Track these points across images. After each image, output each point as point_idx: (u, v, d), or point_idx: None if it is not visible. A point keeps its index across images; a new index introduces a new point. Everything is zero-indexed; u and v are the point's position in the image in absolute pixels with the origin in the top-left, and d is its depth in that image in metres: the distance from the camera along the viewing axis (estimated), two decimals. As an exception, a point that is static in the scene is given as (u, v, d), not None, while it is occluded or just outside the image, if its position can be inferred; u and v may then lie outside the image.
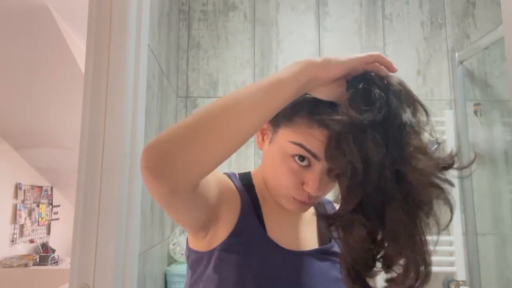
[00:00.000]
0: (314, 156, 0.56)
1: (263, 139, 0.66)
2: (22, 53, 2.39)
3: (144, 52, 1.15)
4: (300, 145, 0.56)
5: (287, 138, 0.58)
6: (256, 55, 1.92)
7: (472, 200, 1.80)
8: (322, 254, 0.65)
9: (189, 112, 1.85)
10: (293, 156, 0.58)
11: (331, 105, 0.53)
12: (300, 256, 0.63)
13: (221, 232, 0.61)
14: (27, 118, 3.04)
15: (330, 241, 0.68)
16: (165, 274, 1.65)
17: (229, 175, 0.69)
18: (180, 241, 1.71)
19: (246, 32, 1.94)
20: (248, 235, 0.61)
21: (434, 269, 1.90)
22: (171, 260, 1.75)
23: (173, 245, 1.72)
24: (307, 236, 0.68)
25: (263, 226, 0.63)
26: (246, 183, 0.68)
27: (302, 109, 0.57)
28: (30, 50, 2.37)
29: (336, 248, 0.66)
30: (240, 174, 0.71)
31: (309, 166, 0.58)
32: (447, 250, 1.75)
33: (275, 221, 0.65)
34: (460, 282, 1.70)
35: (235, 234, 0.60)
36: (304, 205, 0.62)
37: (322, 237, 0.69)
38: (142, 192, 1.15)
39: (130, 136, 1.08)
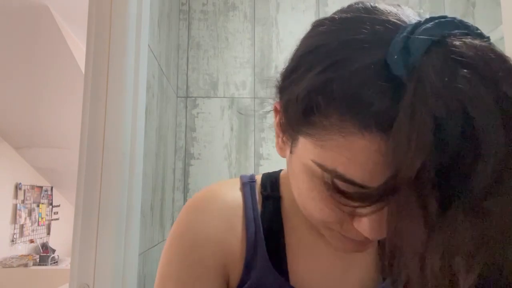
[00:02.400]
0: (363, 187, 0.31)
1: (283, 141, 0.41)
2: (22, 53, 2.40)
3: (144, 52, 1.15)
4: (334, 173, 0.32)
5: (310, 155, 0.34)
6: (256, 55, 1.92)
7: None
8: None
9: (189, 112, 1.85)
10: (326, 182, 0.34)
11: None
12: None
13: None
14: (27, 118, 3.04)
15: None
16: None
17: (243, 184, 0.49)
18: (180, 241, 1.71)
19: (246, 32, 1.94)
20: (258, 284, 0.44)
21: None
22: (171, 260, 1.75)
23: (173, 245, 1.71)
24: (363, 279, 0.46)
25: (283, 269, 0.44)
26: (269, 194, 0.48)
27: (324, 100, 0.32)
28: (30, 50, 2.37)
29: None
30: (265, 177, 0.50)
31: None
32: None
33: (307, 257, 0.45)
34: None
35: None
36: (362, 244, 0.38)
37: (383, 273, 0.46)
38: (142, 192, 1.15)
39: (130, 136, 1.08)
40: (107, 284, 0.98)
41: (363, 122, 0.29)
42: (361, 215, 0.33)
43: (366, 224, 0.33)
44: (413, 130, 0.25)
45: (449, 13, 1.98)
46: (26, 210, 3.48)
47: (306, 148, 0.35)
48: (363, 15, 0.32)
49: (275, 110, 0.42)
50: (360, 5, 0.34)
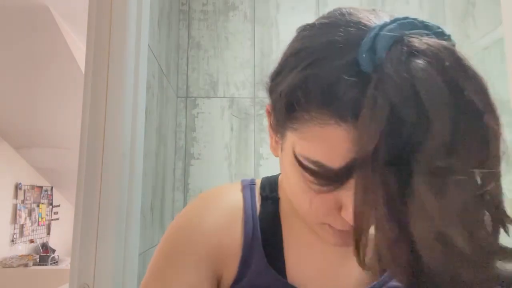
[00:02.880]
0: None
1: (275, 141, 0.44)
2: (22, 53, 2.40)
3: (144, 52, 1.15)
4: (317, 164, 0.35)
5: (296, 149, 0.37)
6: (256, 55, 1.92)
7: (472, 200, 1.79)
8: None
9: (189, 112, 1.85)
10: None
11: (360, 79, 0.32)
12: None
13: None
14: (27, 118, 3.04)
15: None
16: (165, 274, 1.65)
17: (243, 187, 0.52)
18: (180, 241, 1.71)
19: (246, 32, 1.94)
20: (254, 282, 0.45)
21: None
22: (171, 260, 1.75)
23: (173, 245, 1.72)
24: (359, 273, 0.47)
25: (280, 265, 0.45)
26: (268, 195, 0.50)
27: (303, 96, 0.35)
28: (30, 50, 2.37)
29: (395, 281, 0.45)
30: (266, 181, 0.53)
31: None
32: (447, 250, 1.75)
33: (304, 255, 0.47)
34: (460, 282, 1.70)
35: (239, 287, 0.45)
36: (347, 236, 0.40)
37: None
38: (142, 192, 1.15)
39: (130, 136, 1.08)
40: (107, 284, 0.98)
41: (338, 113, 0.32)
42: (347, 204, 0.36)
43: (351, 213, 0.34)
44: (372, 117, 0.28)
45: (449, 13, 1.98)
46: (26, 210, 3.48)
47: (292, 143, 0.38)
48: (339, 19, 0.36)
49: (267, 112, 0.45)
50: (338, 11, 0.38)
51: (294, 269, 0.46)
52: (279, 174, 0.53)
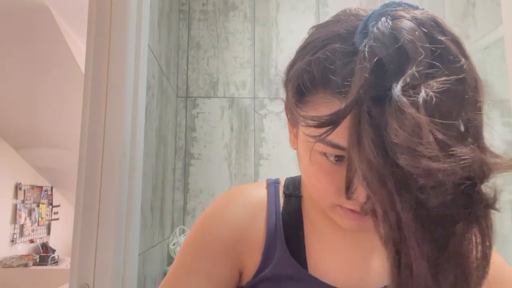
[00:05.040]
0: (344, 149, 0.38)
1: (293, 135, 0.48)
2: (22, 53, 2.40)
3: (144, 52, 1.15)
4: (319, 139, 0.38)
5: (306, 132, 0.41)
6: (256, 55, 1.92)
7: (472, 200, 1.79)
8: None
9: (189, 112, 1.85)
10: (323, 154, 0.40)
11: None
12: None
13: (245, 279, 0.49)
14: (27, 118, 3.04)
15: None
16: (165, 274, 1.65)
17: (268, 184, 0.55)
18: (180, 241, 1.71)
19: (246, 32, 1.94)
20: (276, 272, 0.46)
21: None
22: (171, 260, 1.75)
23: (173, 245, 1.72)
24: (379, 267, 0.49)
25: (302, 257, 0.48)
26: (291, 192, 0.53)
27: (308, 79, 0.39)
28: (30, 50, 2.37)
29: None
30: (288, 180, 0.56)
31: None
32: (447, 250, 1.75)
33: (325, 248, 0.49)
34: (460, 282, 1.70)
35: (260, 278, 0.47)
36: (360, 218, 0.42)
37: None
38: (142, 192, 1.15)
39: (130, 136, 1.08)
40: (107, 284, 0.98)
41: (339, 91, 0.36)
42: (356, 185, 0.38)
43: (361, 191, 0.37)
44: (358, 71, 0.32)
45: (449, 13, 1.98)
46: (26, 210, 3.48)
47: (303, 128, 0.42)
48: (343, 16, 0.41)
49: (286, 107, 0.48)
50: (343, 10, 0.42)
51: (315, 261, 0.48)
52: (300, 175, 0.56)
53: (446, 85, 0.30)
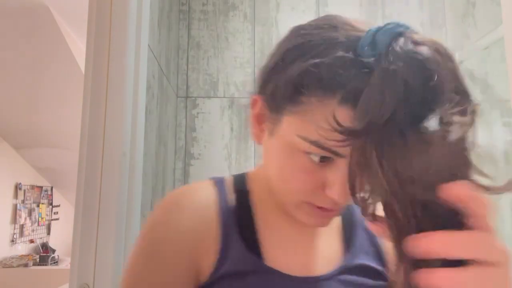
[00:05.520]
0: (337, 154, 0.39)
1: (260, 130, 0.49)
2: (22, 53, 2.40)
3: (144, 52, 1.15)
4: (316, 143, 0.39)
5: (294, 131, 0.41)
6: (256, 55, 1.92)
7: (472, 200, 1.79)
8: (344, 274, 0.50)
9: (189, 112, 1.85)
10: (307, 153, 0.41)
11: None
12: (314, 284, 0.48)
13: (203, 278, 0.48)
14: (27, 118, 3.04)
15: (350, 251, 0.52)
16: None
17: (215, 182, 0.54)
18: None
19: (246, 32, 1.94)
20: (235, 268, 0.47)
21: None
22: (171, 260, 1.75)
23: (173, 245, 1.72)
24: (327, 252, 0.52)
25: (257, 251, 0.48)
26: (239, 189, 0.53)
27: (312, 81, 0.39)
28: (30, 50, 2.37)
29: (362, 259, 0.51)
30: (235, 177, 0.56)
31: (329, 162, 0.41)
32: (447, 250, 1.75)
33: (278, 239, 0.50)
34: (460, 282, 1.70)
35: (218, 276, 0.47)
36: (328, 215, 0.46)
37: (349, 250, 0.52)
38: (142, 192, 1.15)
39: (130, 136, 1.08)
40: (107, 284, 0.98)
41: (341, 96, 0.37)
42: (333, 182, 0.41)
43: (337, 190, 0.41)
44: (385, 87, 0.32)
45: (449, 13, 1.98)
46: (26, 210, 3.48)
47: (291, 124, 0.42)
48: (336, 22, 0.42)
49: (255, 102, 0.48)
50: (330, 16, 0.44)
51: (270, 252, 0.49)
52: (245, 173, 0.57)
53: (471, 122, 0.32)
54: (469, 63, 1.92)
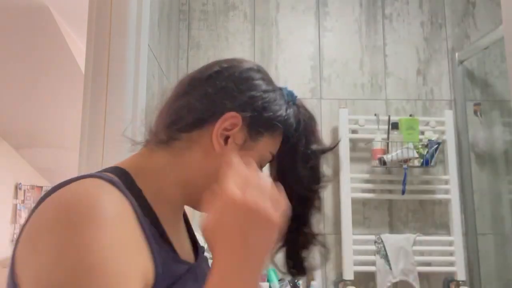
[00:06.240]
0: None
1: (226, 143, 0.53)
2: (22, 53, 2.40)
3: (144, 52, 1.15)
4: (273, 155, 0.60)
5: (268, 148, 0.59)
6: (256, 55, 1.92)
7: (472, 200, 1.80)
8: (201, 255, 0.63)
9: (189, 112, 1.85)
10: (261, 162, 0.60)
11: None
12: (199, 268, 0.57)
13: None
14: (27, 118, 3.04)
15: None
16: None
17: (113, 183, 0.45)
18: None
19: (246, 32, 1.94)
20: (172, 274, 0.47)
21: (434, 269, 1.86)
22: (171, 260, 1.75)
23: (173, 245, 1.72)
24: (187, 244, 0.61)
25: (172, 248, 0.51)
26: (132, 189, 0.48)
27: (266, 120, 0.57)
28: (30, 50, 2.37)
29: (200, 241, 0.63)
30: (118, 176, 0.48)
31: None
32: (447, 250, 1.75)
33: (176, 232, 0.56)
34: (460, 282, 1.70)
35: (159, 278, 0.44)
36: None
37: (196, 246, 0.63)
38: (142, 192, 1.15)
39: (130, 136, 1.08)
40: (107, 284, 0.98)
41: (279, 128, 0.58)
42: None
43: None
44: (308, 126, 0.61)
45: (449, 13, 1.98)
46: (26, 210, 3.48)
47: (267, 144, 0.58)
48: (255, 68, 0.60)
49: (234, 124, 0.54)
50: (236, 61, 0.63)
51: (177, 247, 0.52)
52: (118, 167, 0.52)
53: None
54: (469, 63, 1.92)
